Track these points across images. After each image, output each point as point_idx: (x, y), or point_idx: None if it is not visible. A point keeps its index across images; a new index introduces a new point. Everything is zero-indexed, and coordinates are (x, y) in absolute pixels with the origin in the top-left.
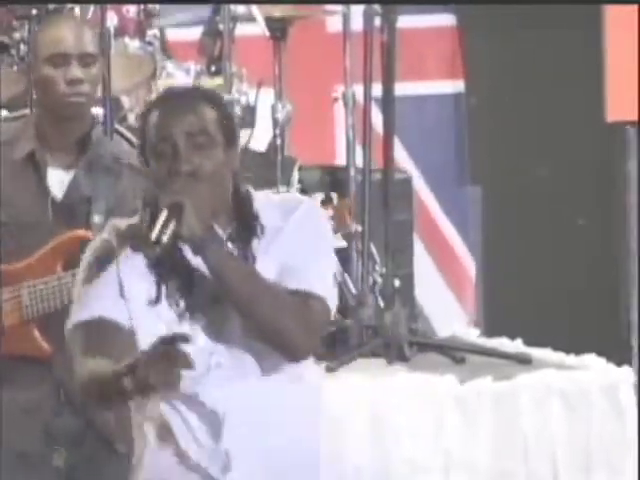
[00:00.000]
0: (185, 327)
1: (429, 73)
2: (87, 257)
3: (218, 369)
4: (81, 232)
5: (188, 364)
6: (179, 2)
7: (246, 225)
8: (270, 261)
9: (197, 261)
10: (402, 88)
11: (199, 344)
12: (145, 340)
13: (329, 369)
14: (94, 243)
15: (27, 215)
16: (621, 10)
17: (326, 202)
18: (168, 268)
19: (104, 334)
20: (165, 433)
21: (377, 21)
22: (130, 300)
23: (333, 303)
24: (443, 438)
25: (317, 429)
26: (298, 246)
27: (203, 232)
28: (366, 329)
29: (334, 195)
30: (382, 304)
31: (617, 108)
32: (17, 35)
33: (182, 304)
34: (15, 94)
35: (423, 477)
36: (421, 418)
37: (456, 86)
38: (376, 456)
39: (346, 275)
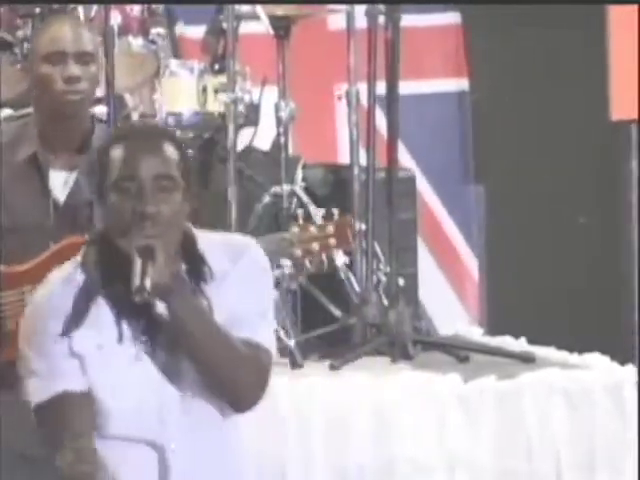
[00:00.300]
0: (140, 368)
1: (432, 71)
2: (33, 313)
3: (169, 415)
4: (85, 237)
5: None
6: (181, 2)
7: (195, 268)
8: (218, 306)
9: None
10: (405, 87)
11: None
12: (104, 392)
13: (333, 367)
14: (40, 296)
15: (29, 217)
16: (624, 9)
17: (327, 218)
18: (129, 310)
19: (70, 409)
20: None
21: (381, 19)
22: (81, 354)
23: (274, 354)
24: (446, 437)
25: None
26: (247, 295)
27: (170, 277)
28: (370, 327)
29: (335, 211)
30: (386, 302)
31: (621, 106)
32: (20, 33)
33: (141, 345)
34: (19, 92)
35: (426, 475)
36: (424, 416)
37: (459, 84)
38: (379, 454)
39: (350, 273)
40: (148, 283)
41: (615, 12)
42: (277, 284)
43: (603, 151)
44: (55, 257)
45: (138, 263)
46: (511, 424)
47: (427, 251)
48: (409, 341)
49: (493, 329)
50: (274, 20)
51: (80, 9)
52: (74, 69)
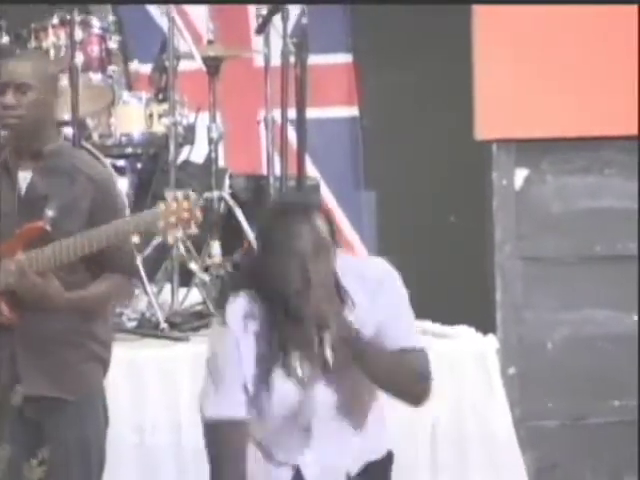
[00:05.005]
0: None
1: (331, 100)
2: (217, 347)
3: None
4: (39, 223)
5: None
6: (177, 2)
7: (342, 300)
8: (367, 327)
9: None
10: (310, 112)
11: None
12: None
13: None
14: (218, 332)
15: (3, 207)
16: (488, 40)
17: (185, 198)
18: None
19: (227, 430)
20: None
21: (291, 59)
22: (251, 389)
23: (428, 349)
24: None
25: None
26: (396, 312)
27: (347, 332)
28: None
29: (190, 192)
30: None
31: (484, 128)
32: None
33: (305, 373)
34: None
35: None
36: None
37: (352, 111)
38: None
39: None
40: (329, 351)
41: (479, 42)
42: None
43: (471, 164)
44: (17, 241)
45: (317, 337)
46: None
47: None
48: None
49: None
50: (206, 60)
51: (51, 51)
52: (9, 99)
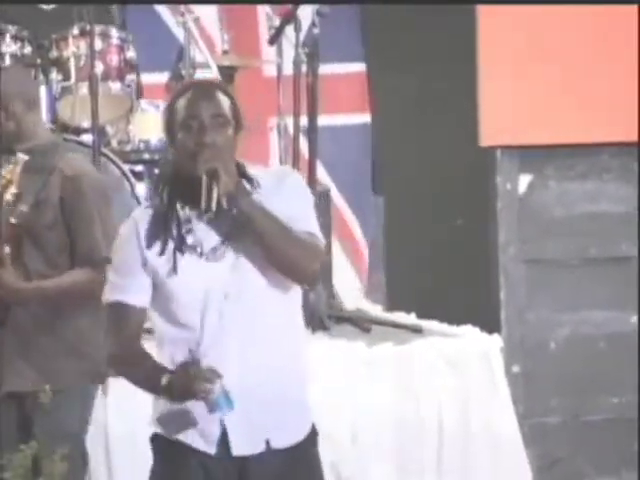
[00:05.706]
0: (208, 267)
1: (343, 108)
2: (120, 235)
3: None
4: (10, 220)
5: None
6: (182, 2)
7: (247, 182)
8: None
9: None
10: (322, 120)
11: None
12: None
13: None
14: (126, 223)
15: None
16: (494, 46)
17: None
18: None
19: (122, 315)
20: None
21: (303, 68)
22: (154, 269)
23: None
24: (354, 388)
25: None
26: (296, 202)
27: (234, 187)
28: None
29: (20, 155)
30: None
31: (488, 135)
32: None
33: (213, 246)
34: None
35: (334, 416)
36: (338, 373)
37: (363, 118)
38: None
39: None
40: (215, 195)
41: (484, 49)
42: None
43: (476, 169)
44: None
45: (205, 181)
46: (404, 380)
47: (339, 246)
48: (325, 316)
49: (391, 306)
50: (221, 69)
51: (72, 60)
52: None
